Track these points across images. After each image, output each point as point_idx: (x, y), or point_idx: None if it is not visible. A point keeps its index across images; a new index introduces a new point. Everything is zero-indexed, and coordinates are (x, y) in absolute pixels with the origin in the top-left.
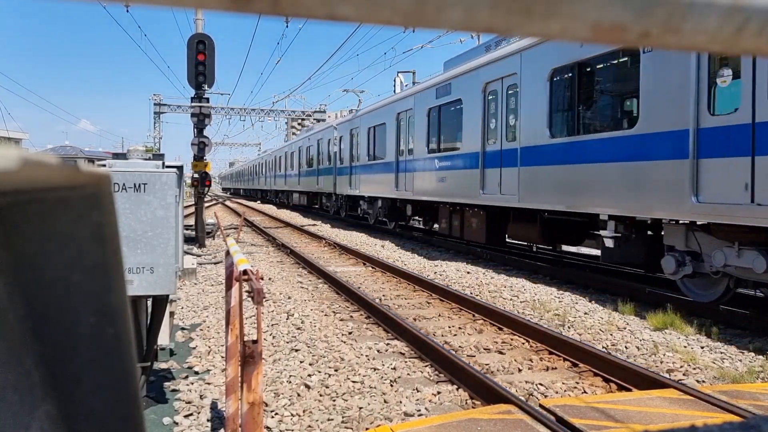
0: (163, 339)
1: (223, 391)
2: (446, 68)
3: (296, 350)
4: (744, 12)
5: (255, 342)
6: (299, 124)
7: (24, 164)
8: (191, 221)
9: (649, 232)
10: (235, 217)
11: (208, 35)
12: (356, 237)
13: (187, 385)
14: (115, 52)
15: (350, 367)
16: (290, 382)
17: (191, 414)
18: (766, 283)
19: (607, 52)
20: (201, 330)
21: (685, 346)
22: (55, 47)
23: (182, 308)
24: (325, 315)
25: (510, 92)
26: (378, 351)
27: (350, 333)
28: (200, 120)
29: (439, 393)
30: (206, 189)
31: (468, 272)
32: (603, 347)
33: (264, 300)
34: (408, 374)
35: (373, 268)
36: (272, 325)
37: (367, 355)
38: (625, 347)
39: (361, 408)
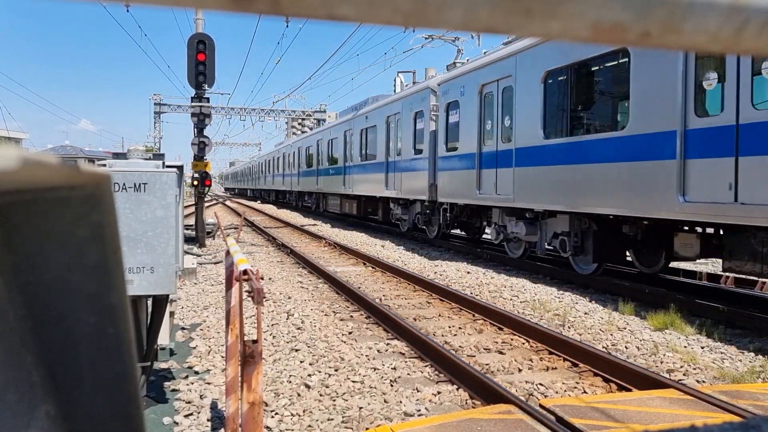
0: (163, 339)
1: (223, 391)
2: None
3: (296, 350)
4: (744, 12)
5: (255, 342)
6: (299, 124)
7: (24, 164)
8: (191, 221)
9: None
10: (235, 216)
11: (208, 35)
12: (356, 237)
13: (187, 384)
14: (115, 52)
15: (350, 367)
16: (290, 381)
17: (191, 414)
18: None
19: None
20: (201, 330)
21: (685, 346)
22: (56, 47)
23: (182, 308)
24: (325, 315)
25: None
26: (378, 351)
27: (350, 333)
28: (200, 120)
29: (439, 393)
30: (206, 189)
31: (468, 272)
32: (603, 347)
33: (264, 300)
34: (408, 374)
35: (373, 268)
36: (272, 324)
37: (367, 355)
38: (626, 347)
39: (361, 408)
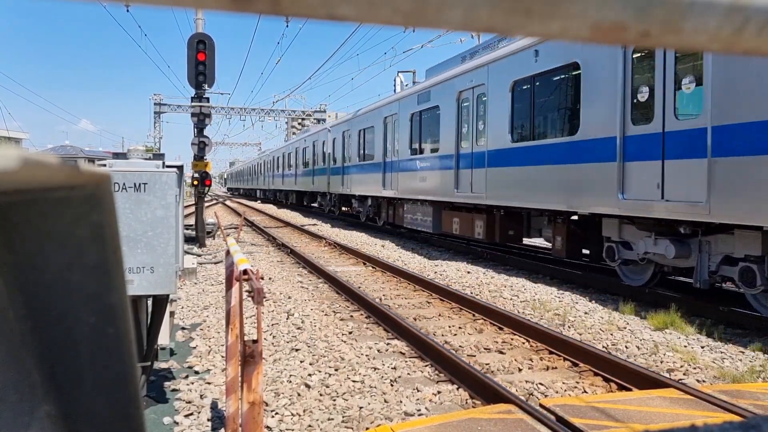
0: (163, 339)
1: (223, 391)
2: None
3: (296, 350)
4: (744, 12)
5: (255, 342)
6: (299, 123)
7: (24, 164)
8: (191, 221)
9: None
10: (235, 216)
11: (208, 35)
12: (356, 237)
13: (188, 384)
14: (115, 52)
15: (350, 367)
16: (290, 381)
17: (191, 414)
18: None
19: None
20: (201, 330)
21: (685, 346)
22: (56, 47)
23: (182, 308)
24: (326, 315)
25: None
26: (378, 351)
27: (350, 333)
28: (200, 120)
29: (439, 393)
30: (206, 189)
31: (468, 272)
32: (603, 347)
33: (264, 300)
34: (408, 374)
35: (373, 267)
36: (272, 324)
37: (367, 355)
38: (626, 347)
39: (361, 408)
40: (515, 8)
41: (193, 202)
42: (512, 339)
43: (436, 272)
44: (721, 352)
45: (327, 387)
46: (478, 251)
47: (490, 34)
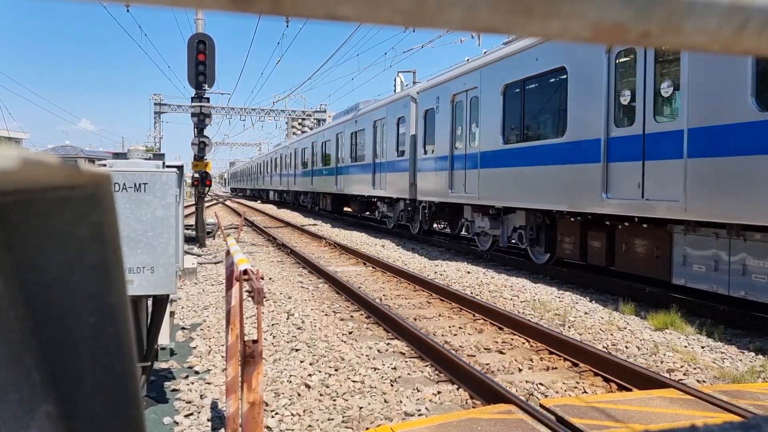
0: (163, 339)
1: (223, 391)
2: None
3: (296, 350)
4: (744, 12)
5: (255, 342)
6: (299, 124)
7: (24, 164)
8: (191, 221)
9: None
10: (235, 216)
11: (208, 35)
12: (356, 237)
13: (188, 384)
14: (115, 52)
15: (350, 367)
16: (290, 381)
17: (191, 414)
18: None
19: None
20: (201, 330)
21: (685, 346)
22: (56, 47)
23: (182, 308)
24: (326, 315)
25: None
26: (378, 351)
27: (350, 333)
28: (200, 120)
29: (439, 393)
30: (206, 189)
31: (468, 272)
32: (603, 347)
33: (264, 300)
34: (408, 374)
35: (373, 267)
36: (272, 324)
37: (367, 355)
38: (626, 347)
39: (361, 408)
40: (515, 8)
41: (193, 202)
42: (512, 339)
43: (436, 272)
44: (722, 353)
45: (327, 387)
46: (478, 251)
47: (490, 34)
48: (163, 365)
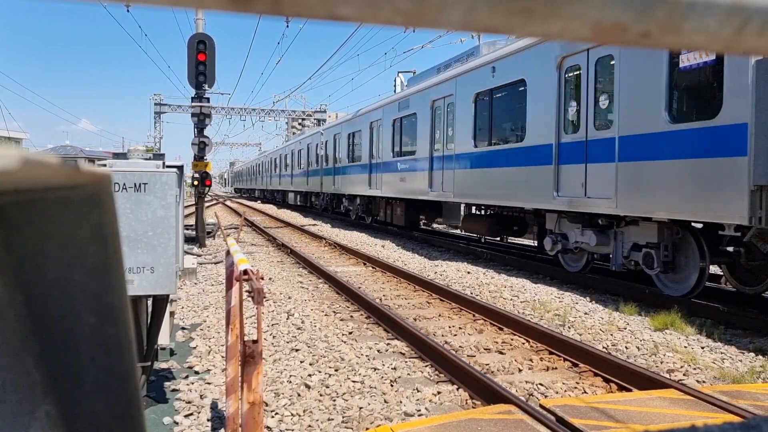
0: (163, 339)
1: (223, 391)
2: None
3: (296, 350)
4: (744, 12)
5: (255, 342)
6: (299, 124)
7: (24, 164)
8: (192, 221)
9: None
10: (235, 216)
11: (208, 35)
12: (356, 237)
13: (188, 384)
14: (115, 52)
15: (350, 367)
16: (290, 381)
17: (191, 414)
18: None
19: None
20: (201, 330)
21: (685, 347)
22: (56, 47)
23: (182, 308)
24: (326, 315)
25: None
26: (378, 351)
27: (350, 333)
28: (201, 120)
29: (439, 393)
30: (206, 189)
31: (468, 272)
32: (603, 347)
33: (264, 300)
34: (408, 374)
35: (373, 268)
36: (272, 324)
37: (367, 355)
38: (626, 347)
39: (361, 408)
40: (515, 8)
41: (193, 202)
42: (512, 339)
43: (436, 272)
44: (722, 353)
45: (327, 387)
46: (478, 251)
47: (491, 35)
48: (163, 365)
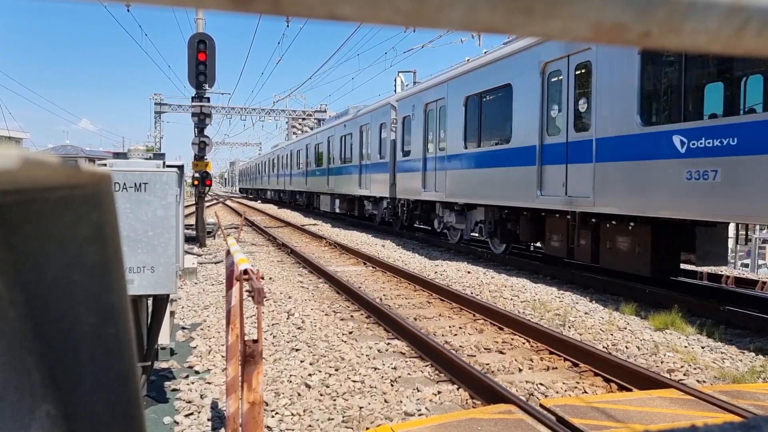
0: (163, 338)
1: (223, 391)
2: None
3: (297, 350)
4: (744, 12)
5: (255, 341)
6: (299, 124)
7: (24, 164)
8: (192, 221)
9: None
10: (235, 216)
11: (208, 35)
12: (357, 237)
13: (188, 384)
14: (115, 52)
15: (351, 367)
16: (291, 381)
17: (192, 413)
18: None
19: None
20: (201, 329)
21: (685, 346)
22: (56, 47)
23: (183, 308)
24: (326, 314)
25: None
26: (378, 351)
27: (351, 333)
28: (201, 120)
29: (439, 393)
30: (207, 188)
31: (468, 272)
32: (603, 347)
33: (264, 299)
34: (408, 374)
35: (373, 267)
36: (273, 324)
37: (367, 355)
38: (626, 347)
39: (361, 408)
40: (515, 8)
41: (194, 202)
42: (512, 339)
43: (436, 272)
44: (722, 353)
45: (327, 387)
46: (478, 251)
47: (491, 35)
48: (163, 365)
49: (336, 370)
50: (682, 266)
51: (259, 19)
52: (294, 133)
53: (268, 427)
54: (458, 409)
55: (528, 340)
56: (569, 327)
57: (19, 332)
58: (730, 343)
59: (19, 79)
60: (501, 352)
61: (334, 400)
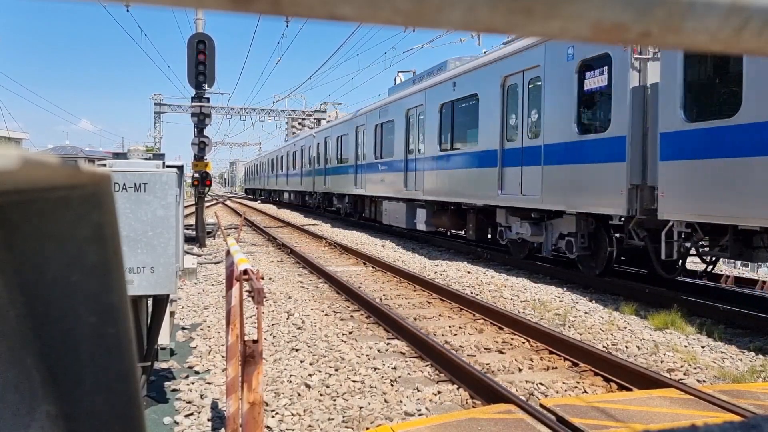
0: (163, 339)
1: (223, 391)
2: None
3: (297, 350)
4: (744, 12)
5: (255, 342)
6: (299, 123)
7: (24, 164)
8: (192, 221)
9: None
10: (235, 216)
11: (208, 35)
12: (357, 237)
13: (188, 384)
14: (115, 52)
15: (351, 367)
16: (291, 381)
17: (192, 414)
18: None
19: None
20: (201, 330)
21: (685, 346)
22: (56, 47)
23: (183, 308)
24: (326, 315)
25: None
26: (378, 351)
27: (351, 333)
28: (200, 120)
29: (439, 392)
30: (207, 189)
31: (468, 272)
32: (603, 347)
33: (264, 300)
34: (408, 374)
35: (373, 267)
36: (273, 324)
37: (367, 355)
38: (626, 347)
39: (361, 408)
40: (515, 8)
41: (193, 202)
42: (512, 339)
43: (436, 272)
44: (722, 352)
45: (327, 387)
46: (478, 251)
47: (491, 34)
48: (163, 365)
49: (336, 370)
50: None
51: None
52: (293, 133)
53: (268, 427)
54: (458, 409)
55: (528, 340)
56: (569, 327)
57: (19, 332)
58: (730, 343)
59: (19, 79)
60: (501, 352)
61: (334, 400)
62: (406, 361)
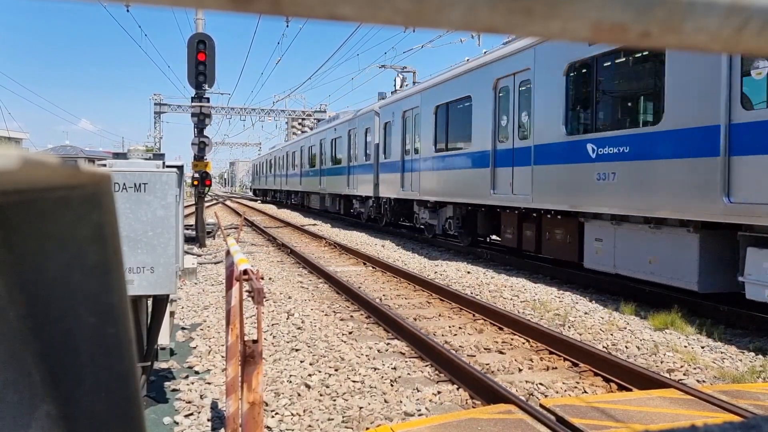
0: (163, 339)
1: (223, 391)
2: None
3: (296, 350)
4: (744, 12)
5: (255, 342)
6: (299, 124)
7: (24, 164)
8: (192, 221)
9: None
10: (235, 216)
11: (208, 35)
12: (356, 237)
13: (188, 384)
14: (115, 52)
15: (350, 367)
16: (290, 381)
17: (191, 414)
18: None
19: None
20: (201, 330)
21: (685, 346)
22: (56, 47)
23: (182, 308)
24: (326, 315)
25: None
26: (378, 351)
27: (350, 333)
28: (200, 120)
29: (439, 393)
30: (206, 189)
31: (468, 272)
32: (603, 347)
33: (264, 300)
34: (408, 374)
35: (373, 267)
36: (272, 324)
37: (367, 355)
38: (626, 347)
39: (361, 408)
40: (515, 8)
41: (193, 202)
42: (512, 339)
43: (436, 272)
44: (722, 353)
45: (327, 387)
46: (478, 251)
47: (491, 35)
48: (163, 365)
49: (336, 370)
50: None
51: (258, 19)
52: (294, 133)
53: (268, 427)
54: (458, 409)
55: (528, 340)
56: (569, 327)
57: (19, 332)
58: (730, 343)
59: (19, 79)
60: (501, 352)
61: (334, 400)
62: (406, 362)
